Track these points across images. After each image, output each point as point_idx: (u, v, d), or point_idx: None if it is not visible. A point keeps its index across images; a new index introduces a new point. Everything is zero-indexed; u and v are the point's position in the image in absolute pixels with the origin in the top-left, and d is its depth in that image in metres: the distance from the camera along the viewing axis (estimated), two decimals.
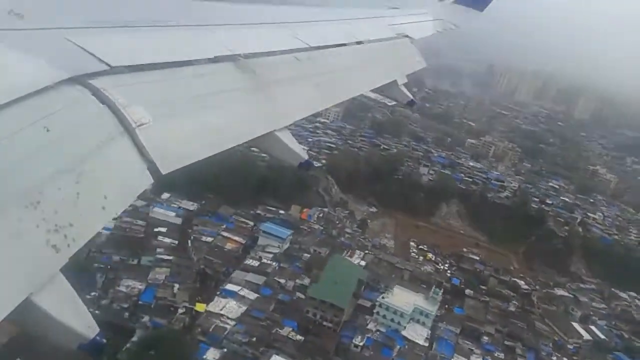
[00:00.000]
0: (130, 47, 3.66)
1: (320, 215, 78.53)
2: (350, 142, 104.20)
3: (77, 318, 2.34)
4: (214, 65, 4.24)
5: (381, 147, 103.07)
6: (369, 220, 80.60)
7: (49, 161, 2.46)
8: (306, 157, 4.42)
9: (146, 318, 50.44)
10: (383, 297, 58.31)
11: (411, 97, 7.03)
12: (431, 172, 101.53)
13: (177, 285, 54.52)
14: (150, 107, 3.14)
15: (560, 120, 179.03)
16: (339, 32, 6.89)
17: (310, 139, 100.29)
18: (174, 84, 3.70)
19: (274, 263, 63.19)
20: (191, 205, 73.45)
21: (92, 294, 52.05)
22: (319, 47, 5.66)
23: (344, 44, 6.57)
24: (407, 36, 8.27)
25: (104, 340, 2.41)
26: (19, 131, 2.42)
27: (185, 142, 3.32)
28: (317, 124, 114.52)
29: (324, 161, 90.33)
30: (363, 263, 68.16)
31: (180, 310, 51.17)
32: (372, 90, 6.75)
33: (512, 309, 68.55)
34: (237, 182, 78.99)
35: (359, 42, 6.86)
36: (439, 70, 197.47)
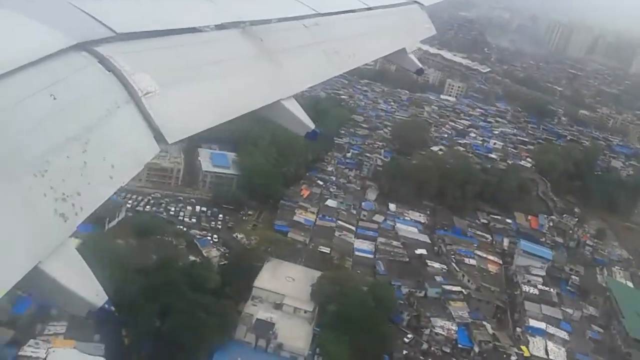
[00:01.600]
0: (135, 13, 3.61)
1: (550, 223, 72.85)
2: (530, 132, 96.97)
3: (86, 286, 2.29)
4: (220, 33, 4.06)
5: (568, 138, 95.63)
6: (607, 230, 74.36)
7: (56, 129, 2.41)
8: (313, 126, 4.14)
9: None
10: None
11: (420, 65, 6.96)
12: (621, 164, 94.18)
13: (486, 324, 50.31)
14: (156, 75, 3.03)
15: (626, 79, 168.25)
16: None
17: (495, 131, 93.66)
18: (180, 52, 3.56)
19: (550, 289, 58.40)
20: (419, 217, 69.03)
21: (409, 336, 48.37)
22: (327, 14, 5.44)
23: (353, 10, 6.30)
24: (416, 1, 7.95)
25: (112, 308, 2.37)
26: (25, 99, 2.36)
27: (191, 111, 3.23)
28: (483, 111, 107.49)
29: (529, 159, 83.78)
30: (630, 284, 62.81)
31: (512, 358, 46.97)
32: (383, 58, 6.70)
33: None
34: (447, 187, 73.89)
35: (368, 8, 6.53)
36: (481, 21, 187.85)
